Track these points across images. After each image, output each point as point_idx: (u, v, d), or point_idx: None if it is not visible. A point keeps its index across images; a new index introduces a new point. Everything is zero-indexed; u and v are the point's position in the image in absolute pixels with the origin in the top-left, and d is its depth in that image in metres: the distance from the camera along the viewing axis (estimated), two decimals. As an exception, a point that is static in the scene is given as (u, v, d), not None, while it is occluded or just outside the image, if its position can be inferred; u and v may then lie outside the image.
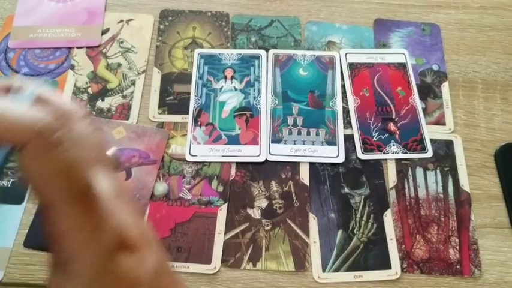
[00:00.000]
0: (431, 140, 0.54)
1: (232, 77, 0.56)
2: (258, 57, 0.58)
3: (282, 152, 0.52)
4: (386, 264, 0.47)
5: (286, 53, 0.58)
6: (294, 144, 0.52)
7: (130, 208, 0.25)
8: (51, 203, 0.21)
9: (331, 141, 0.53)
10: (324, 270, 0.46)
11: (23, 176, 0.21)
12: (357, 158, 0.52)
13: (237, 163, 0.51)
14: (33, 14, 0.59)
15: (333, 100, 0.55)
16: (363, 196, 0.50)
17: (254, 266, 0.46)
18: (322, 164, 0.52)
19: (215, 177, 0.50)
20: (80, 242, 0.21)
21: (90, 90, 0.55)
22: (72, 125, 0.23)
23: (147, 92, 0.55)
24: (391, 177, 0.52)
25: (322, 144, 0.53)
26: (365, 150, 0.53)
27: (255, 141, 0.52)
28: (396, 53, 0.59)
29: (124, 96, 0.55)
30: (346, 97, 0.56)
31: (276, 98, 0.55)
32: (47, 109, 0.22)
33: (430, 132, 0.54)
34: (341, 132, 0.53)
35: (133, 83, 0.56)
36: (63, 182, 0.21)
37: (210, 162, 0.51)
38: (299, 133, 0.53)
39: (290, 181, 0.51)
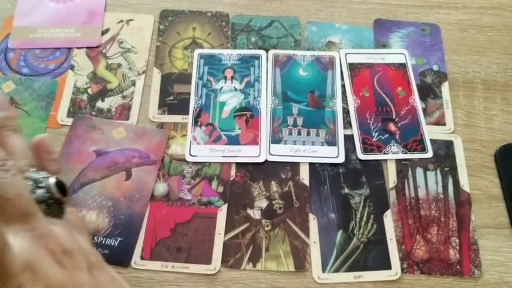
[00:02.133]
0: (431, 140, 0.54)
1: (232, 78, 0.56)
2: (258, 57, 0.58)
3: (282, 153, 0.52)
4: (386, 265, 0.47)
5: (286, 53, 0.58)
6: (294, 144, 0.52)
7: (53, 256, 0.26)
8: None
9: (331, 142, 0.53)
10: (324, 270, 0.46)
11: None
12: (357, 158, 0.52)
13: (237, 163, 0.51)
14: (33, 14, 0.59)
15: (333, 100, 0.55)
16: (363, 196, 0.50)
17: (254, 266, 0.46)
18: (322, 164, 0.52)
19: (215, 177, 0.50)
20: None
21: (90, 91, 0.55)
22: None
23: (147, 92, 0.55)
24: (391, 177, 0.52)
25: (322, 145, 0.53)
26: (365, 151, 0.53)
27: (255, 141, 0.52)
28: (396, 53, 0.59)
29: (124, 97, 0.55)
30: (346, 97, 0.56)
31: (276, 98, 0.55)
32: None
33: (430, 132, 0.54)
34: (341, 132, 0.53)
35: (134, 84, 0.56)
36: None
37: (210, 163, 0.51)
38: (299, 133, 0.53)
39: (290, 181, 0.51)
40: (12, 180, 0.25)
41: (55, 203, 0.29)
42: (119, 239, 0.47)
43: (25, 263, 0.24)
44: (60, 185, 0.30)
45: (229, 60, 0.57)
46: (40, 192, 0.28)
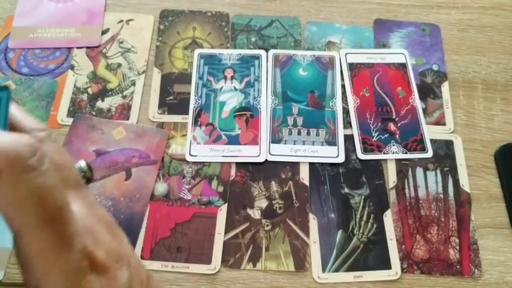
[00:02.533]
0: (431, 140, 0.54)
1: (232, 77, 0.56)
2: (258, 57, 0.58)
3: (282, 152, 0.52)
4: (386, 265, 0.47)
5: (286, 53, 0.58)
6: (294, 144, 0.52)
7: (104, 226, 0.25)
8: (22, 228, 0.21)
9: (331, 142, 0.53)
10: (323, 270, 0.46)
11: None
12: (357, 158, 0.52)
13: (237, 163, 0.51)
14: (33, 14, 0.59)
15: (333, 100, 0.55)
16: (362, 196, 0.50)
17: (254, 266, 0.46)
18: (322, 164, 0.52)
19: (215, 177, 0.50)
20: (47, 266, 0.21)
21: (90, 91, 0.55)
22: (43, 147, 0.22)
23: (147, 92, 0.55)
24: (391, 177, 0.52)
25: (322, 145, 0.53)
26: (365, 151, 0.53)
27: (255, 141, 0.52)
28: (396, 53, 0.59)
29: (124, 97, 0.55)
30: (346, 97, 0.56)
31: (276, 98, 0.55)
32: (18, 133, 0.22)
33: (430, 132, 0.54)
34: (341, 132, 0.53)
35: (133, 83, 0.56)
36: (34, 207, 0.20)
37: (210, 163, 0.51)
38: (299, 133, 0.53)
39: (290, 181, 0.51)
40: (59, 149, 0.25)
41: (86, 183, 0.31)
42: (118, 238, 0.47)
43: (86, 226, 0.23)
44: (88, 166, 0.32)
45: (229, 60, 0.57)
46: None
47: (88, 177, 0.31)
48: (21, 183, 0.19)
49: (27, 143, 0.20)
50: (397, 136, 0.54)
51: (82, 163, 0.31)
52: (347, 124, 0.54)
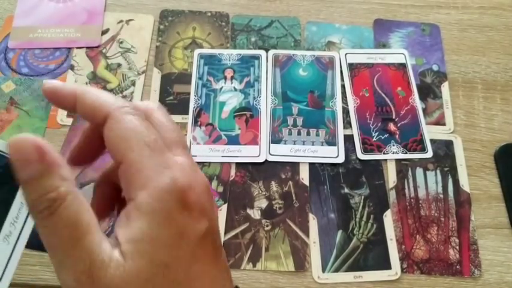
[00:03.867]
0: (431, 140, 0.54)
1: (232, 77, 0.56)
2: (257, 57, 0.58)
3: (282, 152, 0.52)
4: (386, 265, 0.47)
5: (286, 53, 0.58)
6: (294, 144, 0.52)
7: (202, 178, 0.27)
8: (126, 158, 0.24)
9: (331, 142, 0.53)
10: (323, 270, 0.46)
11: (106, 144, 0.25)
12: (357, 158, 0.52)
13: (236, 163, 0.51)
14: (33, 14, 0.59)
15: (332, 100, 0.55)
16: (362, 196, 0.50)
17: (254, 266, 0.46)
18: (322, 164, 0.52)
19: (215, 177, 0.50)
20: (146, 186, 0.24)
21: (90, 91, 0.55)
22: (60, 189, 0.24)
23: (146, 93, 0.55)
24: (391, 177, 0.52)
25: (322, 145, 0.53)
26: (365, 151, 0.53)
27: (254, 141, 0.52)
28: (396, 53, 0.59)
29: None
30: (346, 97, 0.56)
31: (275, 98, 0.55)
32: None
33: (430, 132, 0.54)
34: (341, 132, 0.53)
35: (133, 83, 0.56)
36: (54, 239, 0.23)
37: (210, 163, 0.51)
38: (299, 133, 0.53)
39: (290, 181, 0.51)
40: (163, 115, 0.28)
41: None
42: (118, 239, 0.47)
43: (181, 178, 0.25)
44: None
45: (229, 60, 0.57)
46: None
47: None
48: (39, 225, 0.23)
49: (121, 101, 0.26)
50: (397, 136, 0.54)
51: None
52: (347, 124, 0.54)
